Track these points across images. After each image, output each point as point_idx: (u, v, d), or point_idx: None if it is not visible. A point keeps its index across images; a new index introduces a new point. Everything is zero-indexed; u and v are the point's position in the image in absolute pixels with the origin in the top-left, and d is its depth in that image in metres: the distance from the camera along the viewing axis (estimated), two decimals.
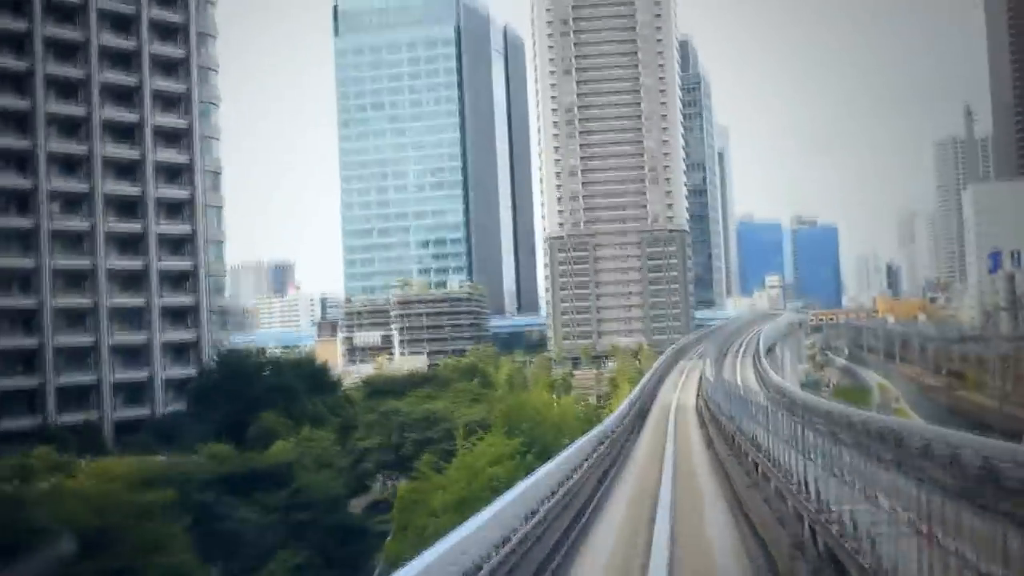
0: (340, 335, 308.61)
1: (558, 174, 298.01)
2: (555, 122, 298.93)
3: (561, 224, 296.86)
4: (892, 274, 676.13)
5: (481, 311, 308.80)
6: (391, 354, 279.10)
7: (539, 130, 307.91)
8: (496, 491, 50.03)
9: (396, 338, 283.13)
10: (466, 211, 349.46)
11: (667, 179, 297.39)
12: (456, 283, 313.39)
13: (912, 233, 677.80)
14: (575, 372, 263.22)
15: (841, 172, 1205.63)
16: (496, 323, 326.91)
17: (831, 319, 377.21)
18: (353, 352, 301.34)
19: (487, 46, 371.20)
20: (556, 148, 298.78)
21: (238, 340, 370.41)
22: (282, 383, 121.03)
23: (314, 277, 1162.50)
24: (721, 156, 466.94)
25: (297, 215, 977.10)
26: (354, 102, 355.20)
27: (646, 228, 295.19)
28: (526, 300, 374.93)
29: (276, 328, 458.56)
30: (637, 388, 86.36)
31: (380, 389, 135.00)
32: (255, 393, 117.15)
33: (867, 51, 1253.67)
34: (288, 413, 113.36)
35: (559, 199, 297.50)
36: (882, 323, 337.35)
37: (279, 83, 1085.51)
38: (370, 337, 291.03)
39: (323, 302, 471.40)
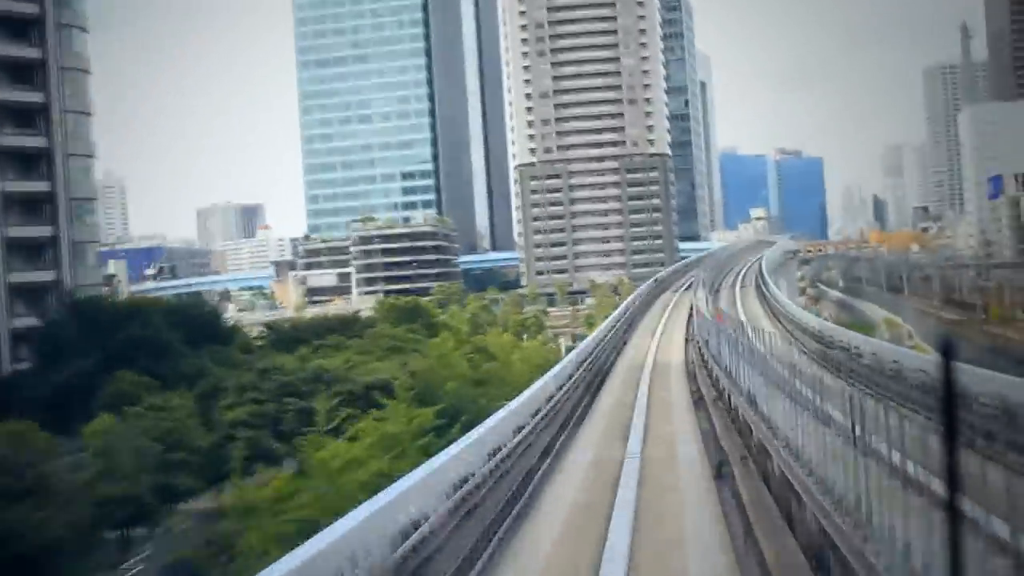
0: (290, 276, 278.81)
1: (528, 96, 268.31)
2: (524, 39, 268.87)
3: (532, 150, 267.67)
4: (878, 206, 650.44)
5: (449, 247, 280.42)
6: (348, 295, 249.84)
7: (507, 50, 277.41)
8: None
9: (354, 277, 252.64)
10: (434, 143, 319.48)
11: (647, 99, 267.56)
12: (420, 217, 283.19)
13: (899, 164, 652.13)
14: (549, 310, 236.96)
15: (825, 103, 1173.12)
16: (467, 260, 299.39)
17: (819, 251, 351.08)
18: (312, 293, 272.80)
19: None
20: (526, 68, 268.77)
21: (202, 282, 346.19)
22: (149, 334, 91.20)
23: (287, 218, 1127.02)
24: (703, 86, 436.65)
25: (267, 154, 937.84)
26: (312, 28, 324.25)
27: (625, 153, 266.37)
28: (501, 236, 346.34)
29: (246, 271, 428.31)
30: (591, 337, 55.25)
31: (288, 336, 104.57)
32: (114, 347, 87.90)
33: None
34: (154, 371, 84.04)
35: (530, 123, 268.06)
36: (878, 254, 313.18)
37: (233, 9, 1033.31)
38: (324, 277, 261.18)
39: (294, 243, 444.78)
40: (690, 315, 70.13)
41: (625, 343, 62.14)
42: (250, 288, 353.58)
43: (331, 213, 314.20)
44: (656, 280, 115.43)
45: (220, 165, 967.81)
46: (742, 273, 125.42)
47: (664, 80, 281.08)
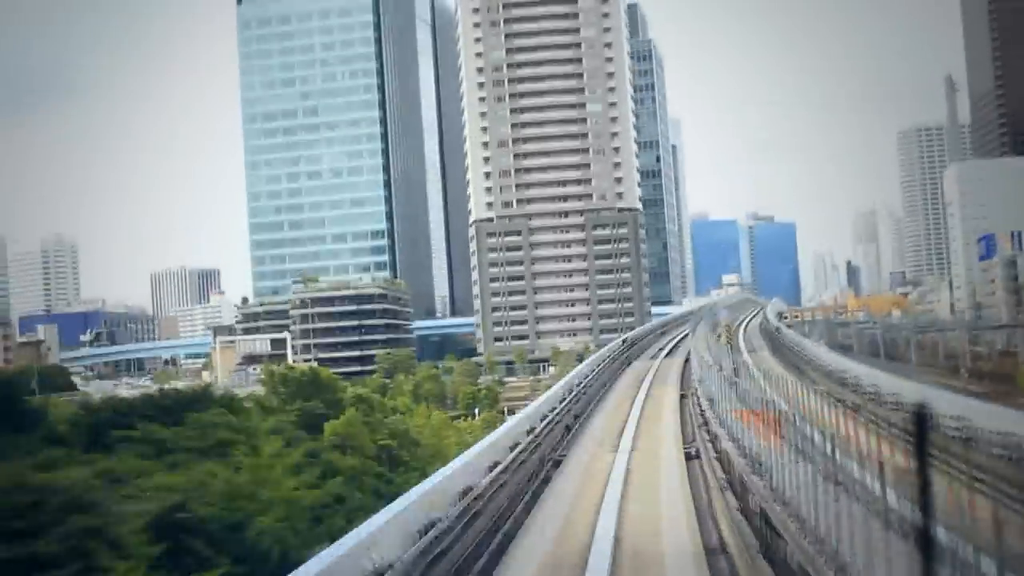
0: (218, 343, 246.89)
1: (485, 145, 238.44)
2: (480, 83, 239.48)
3: (490, 204, 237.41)
4: (852, 272, 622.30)
5: (400, 311, 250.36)
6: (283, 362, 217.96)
7: (463, 94, 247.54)
8: None
9: (289, 343, 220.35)
10: (388, 199, 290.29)
11: (615, 149, 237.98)
12: (368, 278, 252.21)
13: (872, 229, 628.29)
14: (507, 380, 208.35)
15: (797, 170, 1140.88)
16: (423, 326, 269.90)
17: (796, 317, 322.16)
18: (250, 361, 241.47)
19: (410, 12, 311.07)
20: (482, 115, 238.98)
21: (140, 349, 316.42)
22: None
23: (244, 283, 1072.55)
24: (674, 149, 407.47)
25: (223, 217, 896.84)
26: (259, 78, 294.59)
27: (591, 207, 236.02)
28: (462, 300, 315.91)
29: (199, 336, 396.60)
30: (467, 456, 23.64)
31: (108, 419, 72.79)
32: None
33: (826, 40, 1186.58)
34: None
35: (487, 175, 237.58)
36: (858, 319, 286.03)
37: (180, 62, 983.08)
38: (256, 343, 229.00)
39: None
40: (684, 397, 39.33)
41: (558, 465, 28.03)
42: (196, 355, 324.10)
43: (278, 276, 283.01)
44: (625, 341, 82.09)
45: (176, 229, 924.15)
46: (742, 330, 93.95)
47: (634, 130, 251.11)
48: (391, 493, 51.59)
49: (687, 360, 55.06)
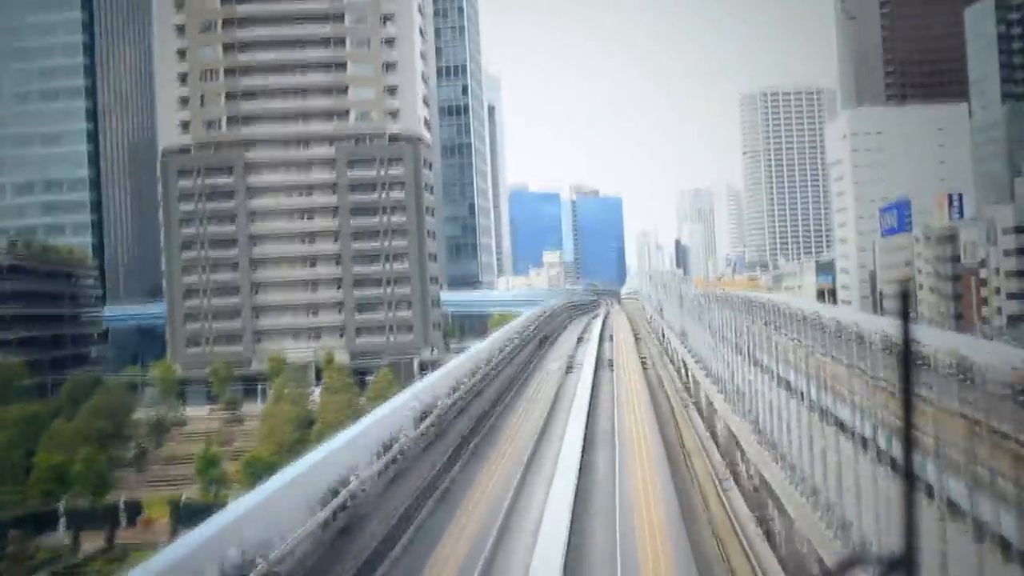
0: None
1: (179, 30, 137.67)
2: None
3: (185, 125, 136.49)
4: (680, 252, 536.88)
5: (61, 293, 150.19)
6: None
7: None
8: None
9: None
10: (94, 134, 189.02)
11: (388, 41, 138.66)
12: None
13: (704, 206, 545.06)
14: (192, 415, 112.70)
15: (624, 142, 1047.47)
16: (124, 314, 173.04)
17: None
18: None
19: None
20: None
21: None
22: None
23: None
24: (492, 110, 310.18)
25: None
26: None
27: (346, 132, 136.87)
28: None
29: None
30: None
31: None
32: None
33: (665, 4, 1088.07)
34: None
35: (181, 77, 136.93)
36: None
37: None
38: None
39: None
40: None
41: None
42: None
43: None
44: None
45: None
46: None
47: (420, 16, 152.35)
48: None
49: None
